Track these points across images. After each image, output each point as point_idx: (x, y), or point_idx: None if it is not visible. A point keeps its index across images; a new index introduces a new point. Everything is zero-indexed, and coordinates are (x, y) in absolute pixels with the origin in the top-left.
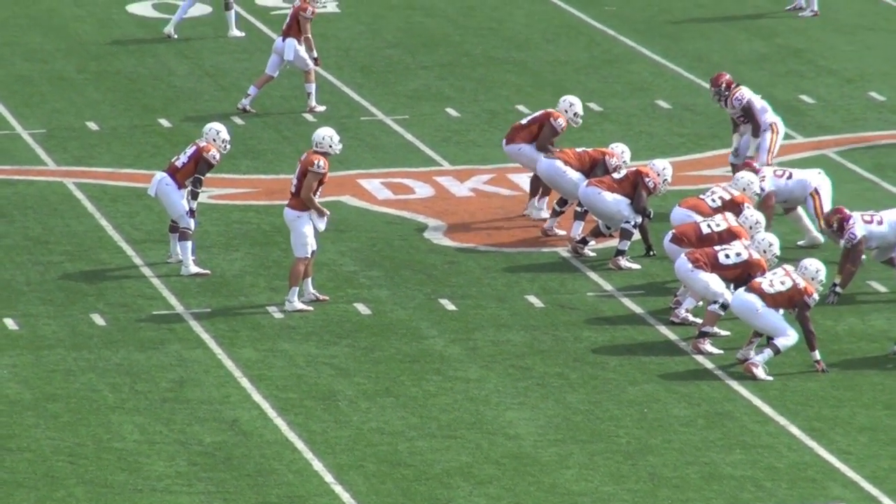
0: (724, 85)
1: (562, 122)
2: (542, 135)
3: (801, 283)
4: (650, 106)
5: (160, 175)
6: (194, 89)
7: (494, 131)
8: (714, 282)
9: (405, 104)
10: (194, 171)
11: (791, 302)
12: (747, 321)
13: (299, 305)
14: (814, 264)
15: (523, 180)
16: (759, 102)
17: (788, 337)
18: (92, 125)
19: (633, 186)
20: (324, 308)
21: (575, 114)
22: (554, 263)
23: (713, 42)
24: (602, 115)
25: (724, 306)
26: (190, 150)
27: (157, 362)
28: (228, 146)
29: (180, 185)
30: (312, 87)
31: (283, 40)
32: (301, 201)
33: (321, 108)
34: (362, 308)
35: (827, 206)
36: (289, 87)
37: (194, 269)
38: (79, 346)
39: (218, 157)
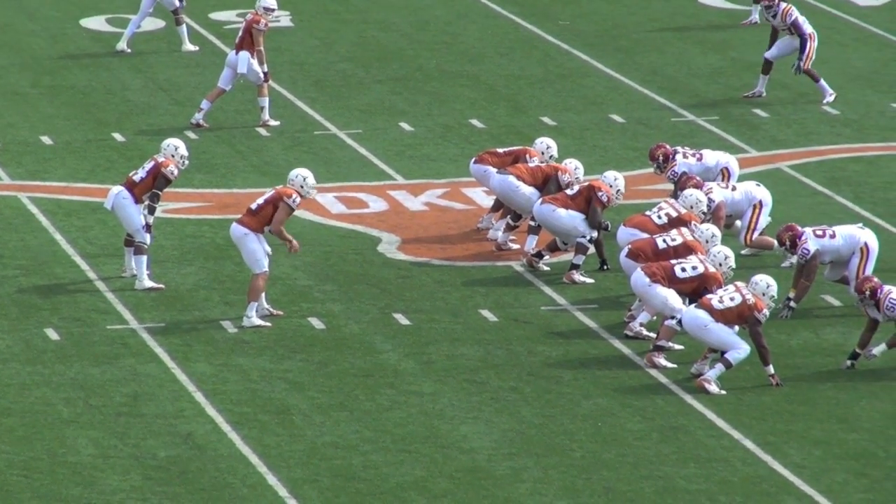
0: (661, 157)
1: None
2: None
3: (751, 299)
4: (604, 120)
5: (117, 189)
6: (148, 103)
7: (448, 145)
8: (672, 297)
9: (359, 118)
10: (152, 186)
11: (741, 318)
12: (697, 337)
13: (257, 321)
14: (764, 280)
15: (477, 195)
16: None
17: (740, 350)
18: (46, 139)
19: (587, 202)
20: (278, 322)
21: (551, 156)
22: (508, 277)
23: (667, 56)
24: (556, 130)
25: (682, 322)
26: (148, 165)
27: (111, 377)
28: (187, 162)
29: (137, 200)
30: (266, 102)
31: (237, 53)
32: (256, 220)
33: (275, 123)
34: (316, 322)
35: (764, 220)
36: (242, 101)
37: (149, 283)
38: (33, 361)
39: (176, 172)
